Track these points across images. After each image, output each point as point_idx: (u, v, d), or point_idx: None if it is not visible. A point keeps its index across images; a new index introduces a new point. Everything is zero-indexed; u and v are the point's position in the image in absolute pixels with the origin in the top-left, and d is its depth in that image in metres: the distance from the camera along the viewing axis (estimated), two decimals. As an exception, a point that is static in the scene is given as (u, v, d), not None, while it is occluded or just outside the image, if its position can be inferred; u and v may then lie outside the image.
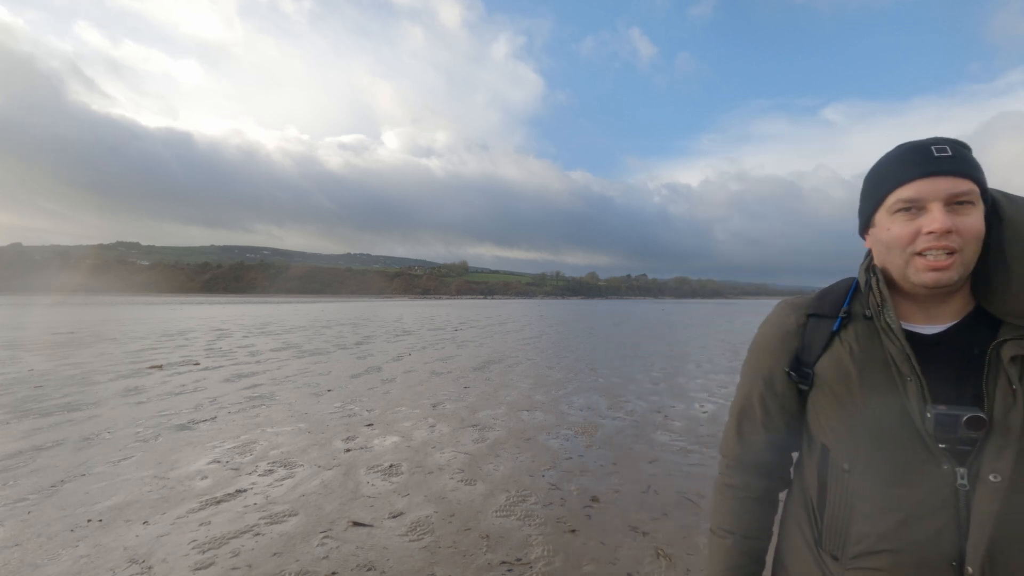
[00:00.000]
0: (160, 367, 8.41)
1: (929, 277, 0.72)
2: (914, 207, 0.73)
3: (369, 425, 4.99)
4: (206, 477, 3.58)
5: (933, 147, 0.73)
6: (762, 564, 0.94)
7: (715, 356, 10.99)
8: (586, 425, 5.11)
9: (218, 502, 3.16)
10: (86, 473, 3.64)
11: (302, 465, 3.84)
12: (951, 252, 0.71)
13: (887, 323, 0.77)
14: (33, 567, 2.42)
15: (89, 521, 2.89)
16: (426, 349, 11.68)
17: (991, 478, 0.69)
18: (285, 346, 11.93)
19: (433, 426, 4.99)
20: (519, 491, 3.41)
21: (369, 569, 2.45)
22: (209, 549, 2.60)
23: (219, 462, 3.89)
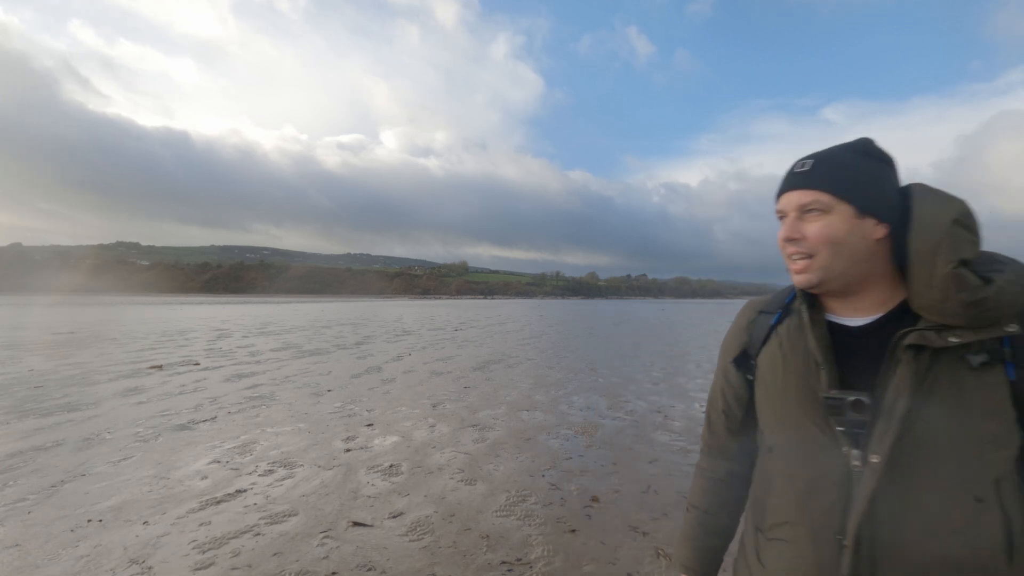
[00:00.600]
0: (160, 367, 8.41)
1: (795, 279, 0.84)
2: (783, 217, 0.84)
3: (369, 425, 4.99)
4: (206, 477, 3.58)
5: (797, 164, 0.84)
6: (721, 537, 1.04)
7: (715, 356, 10.98)
8: (586, 425, 5.11)
9: (218, 502, 3.16)
10: (86, 473, 3.64)
11: (302, 465, 3.84)
12: (808, 256, 0.80)
13: (803, 316, 0.86)
14: (33, 567, 2.42)
15: (89, 521, 2.89)
16: (426, 349, 11.68)
17: (872, 459, 0.74)
18: (285, 346, 11.93)
19: (433, 426, 4.99)
20: (519, 491, 3.42)
21: (369, 569, 2.45)
22: (209, 549, 2.60)
23: (219, 462, 3.89)
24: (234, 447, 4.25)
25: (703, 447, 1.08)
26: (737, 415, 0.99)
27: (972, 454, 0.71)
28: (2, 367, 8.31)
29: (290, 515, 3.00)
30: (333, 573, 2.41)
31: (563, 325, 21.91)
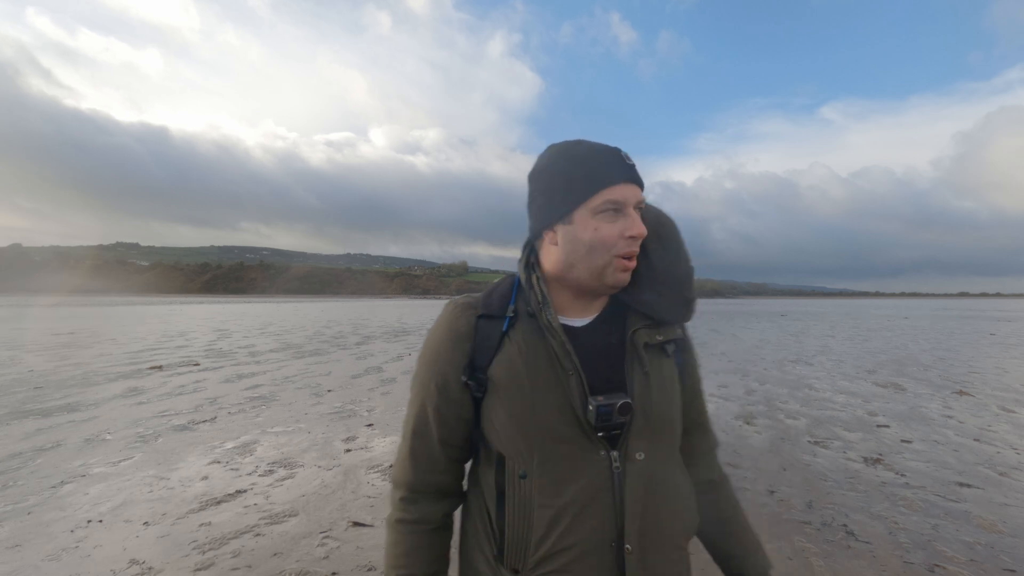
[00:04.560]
0: (160, 368, 8.41)
1: (623, 277, 0.79)
2: (615, 209, 0.76)
3: (369, 425, 4.99)
4: (206, 478, 3.58)
5: (622, 153, 0.78)
6: None
7: (714, 355, 10.98)
8: (586, 425, 5.11)
9: (218, 502, 3.16)
10: (86, 474, 3.64)
11: (302, 465, 3.84)
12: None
13: (548, 321, 0.78)
14: (33, 567, 2.42)
15: (89, 522, 2.89)
16: (426, 349, 11.67)
17: (637, 456, 0.76)
18: (285, 346, 11.93)
19: (433, 426, 4.99)
20: (519, 491, 3.41)
21: (369, 569, 2.45)
22: (209, 550, 2.60)
23: (219, 463, 3.89)
24: (234, 447, 4.25)
25: (407, 493, 0.84)
26: (458, 441, 0.84)
27: (677, 432, 0.82)
28: (2, 368, 8.31)
29: (290, 515, 3.00)
30: (333, 573, 2.41)
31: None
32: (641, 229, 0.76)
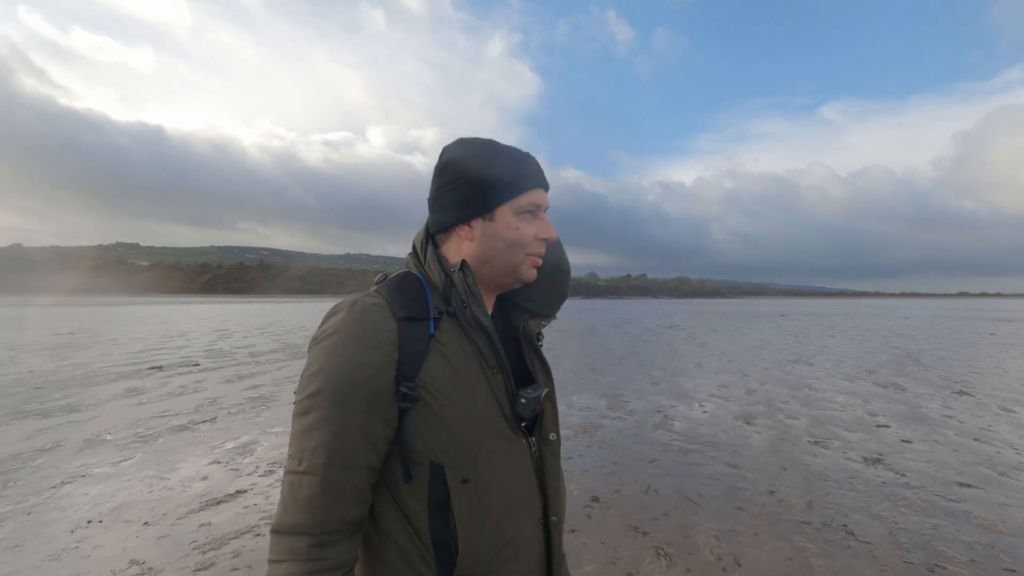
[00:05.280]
0: (160, 368, 8.41)
1: (534, 273, 0.84)
2: (532, 212, 0.81)
3: (369, 425, 4.99)
4: (206, 478, 3.58)
5: (534, 161, 0.83)
6: None
7: (714, 355, 10.98)
8: (586, 425, 5.11)
9: (218, 503, 3.16)
10: (86, 474, 3.64)
11: (302, 466, 3.84)
12: None
13: (478, 319, 0.77)
14: (33, 568, 2.42)
15: (89, 522, 2.89)
16: (426, 349, 11.67)
17: (551, 437, 0.86)
18: (285, 347, 11.93)
19: (433, 426, 4.99)
20: (519, 491, 3.42)
21: (369, 569, 2.45)
22: (209, 550, 2.60)
23: (219, 463, 3.89)
24: (234, 448, 4.26)
25: (316, 542, 0.69)
26: (381, 464, 0.74)
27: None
28: (3, 368, 8.31)
29: (290, 515, 3.00)
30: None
31: (562, 325, 21.91)
32: (554, 233, 0.84)
